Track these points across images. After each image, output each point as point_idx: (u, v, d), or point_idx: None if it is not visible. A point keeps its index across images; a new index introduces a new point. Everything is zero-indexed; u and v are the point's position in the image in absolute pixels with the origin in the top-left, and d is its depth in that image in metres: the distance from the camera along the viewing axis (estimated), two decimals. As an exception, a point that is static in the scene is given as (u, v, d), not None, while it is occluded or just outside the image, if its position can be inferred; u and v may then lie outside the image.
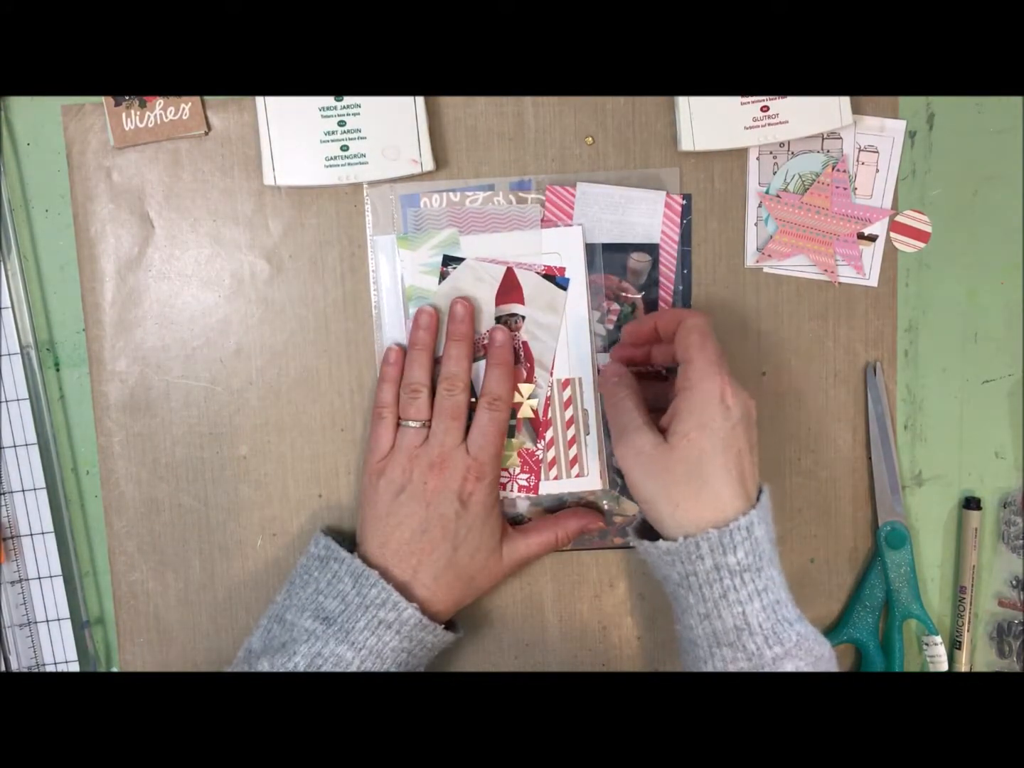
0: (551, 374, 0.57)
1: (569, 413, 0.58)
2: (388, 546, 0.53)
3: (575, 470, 0.58)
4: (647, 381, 0.55)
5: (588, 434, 0.58)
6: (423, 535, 0.52)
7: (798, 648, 0.47)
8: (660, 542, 0.48)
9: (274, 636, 0.51)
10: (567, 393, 0.57)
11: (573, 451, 0.58)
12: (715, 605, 0.47)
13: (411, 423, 0.54)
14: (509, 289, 0.57)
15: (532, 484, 0.58)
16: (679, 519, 0.48)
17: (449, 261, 0.57)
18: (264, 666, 0.50)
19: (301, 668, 0.49)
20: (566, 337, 0.57)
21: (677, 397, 0.49)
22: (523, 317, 0.57)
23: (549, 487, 0.58)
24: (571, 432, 0.58)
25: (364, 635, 0.49)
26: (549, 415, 0.57)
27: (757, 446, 0.50)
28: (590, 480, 0.58)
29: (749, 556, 0.47)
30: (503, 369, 0.55)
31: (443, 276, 0.57)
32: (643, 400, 0.52)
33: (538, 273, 0.57)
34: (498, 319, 0.57)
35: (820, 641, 0.49)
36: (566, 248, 0.57)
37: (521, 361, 0.57)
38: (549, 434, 0.58)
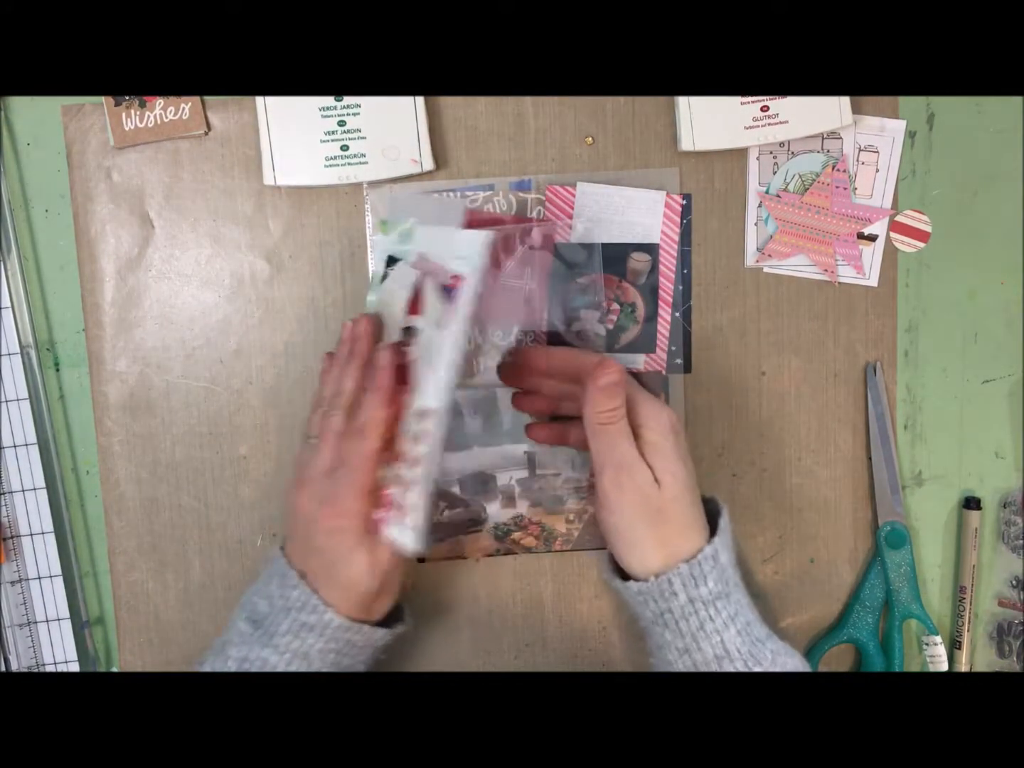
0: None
1: (419, 450, 0.47)
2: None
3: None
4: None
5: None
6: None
7: (774, 665, 0.48)
8: (631, 583, 0.49)
9: (223, 632, 0.51)
10: (422, 426, 0.47)
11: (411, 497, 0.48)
12: (693, 638, 0.47)
13: (310, 438, 0.50)
14: (417, 298, 0.50)
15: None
16: (661, 558, 0.49)
17: (392, 261, 0.51)
18: (206, 667, 0.49)
19: (233, 671, 0.48)
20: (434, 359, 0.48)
21: (643, 437, 0.50)
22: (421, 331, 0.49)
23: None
24: (413, 473, 0.48)
25: (287, 639, 0.48)
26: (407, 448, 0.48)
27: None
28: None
29: (719, 584, 0.48)
30: (376, 395, 0.48)
31: (384, 277, 0.51)
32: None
33: (442, 282, 0.49)
34: (406, 330, 0.50)
35: (791, 653, 0.50)
36: (471, 255, 0.49)
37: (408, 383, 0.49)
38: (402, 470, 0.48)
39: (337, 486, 0.48)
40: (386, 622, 0.51)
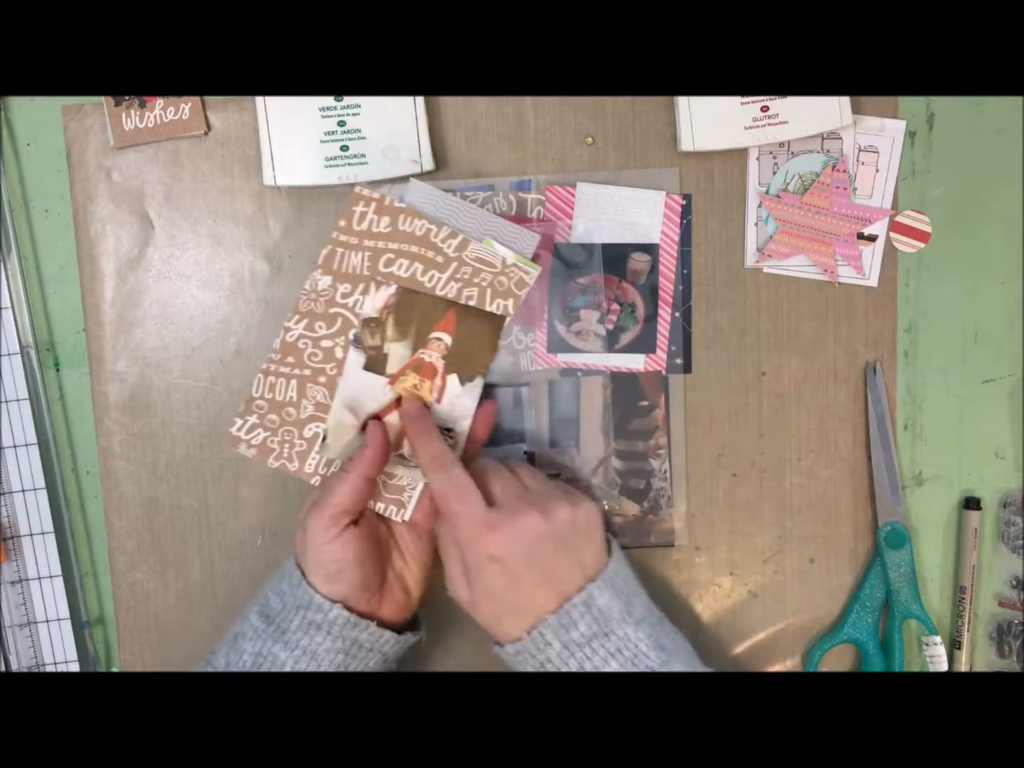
0: None
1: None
2: None
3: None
4: None
5: None
6: None
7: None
8: (508, 646, 0.49)
9: (238, 624, 0.52)
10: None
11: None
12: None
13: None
14: None
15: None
16: (507, 634, 0.49)
17: None
18: (220, 658, 0.51)
19: (249, 666, 0.49)
20: None
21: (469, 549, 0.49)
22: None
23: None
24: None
25: (297, 635, 0.49)
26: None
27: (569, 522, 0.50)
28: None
29: (592, 626, 0.47)
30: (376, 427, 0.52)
31: None
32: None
33: None
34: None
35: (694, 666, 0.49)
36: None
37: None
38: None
39: (327, 486, 0.51)
40: (397, 629, 0.52)
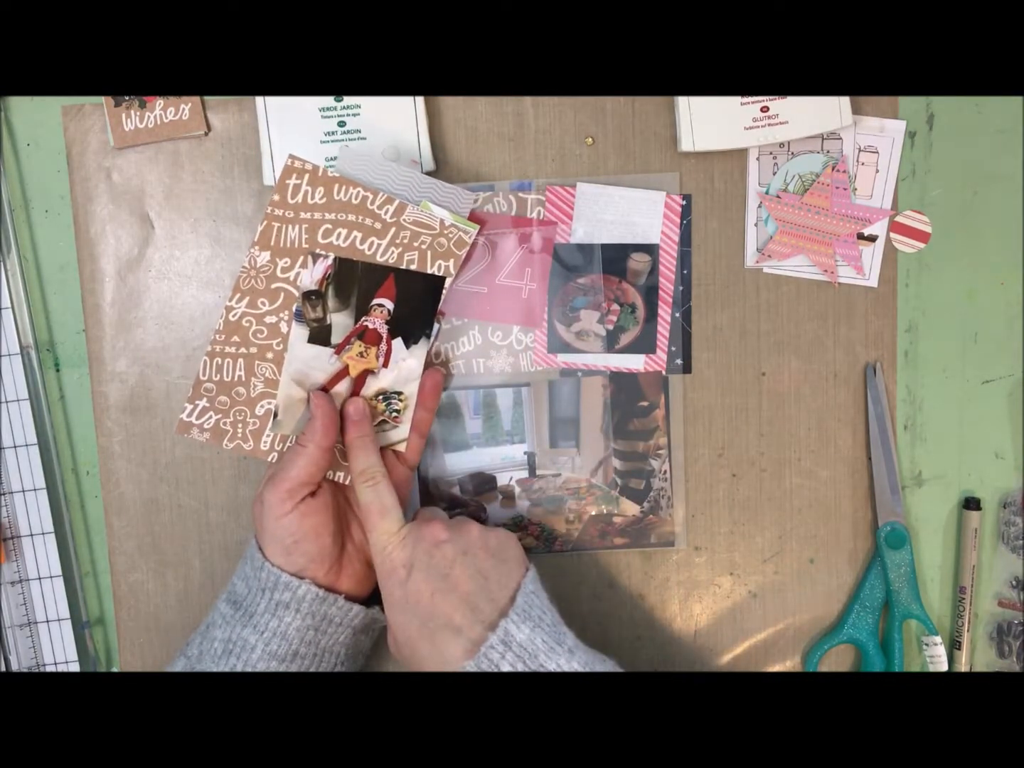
0: None
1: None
2: None
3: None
4: None
5: None
6: None
7: None
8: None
9: (209, 614, 0.53)
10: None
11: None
12: None
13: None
14: None
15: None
16: (440, 666, 0.47)
17: None
18: (193, 648, 0.52)
19: (220, 653, 0.50)
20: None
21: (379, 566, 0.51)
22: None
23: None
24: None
25: (265, 618, 0.50)
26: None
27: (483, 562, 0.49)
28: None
29: (519, 663, 0.45)
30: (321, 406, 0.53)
31: None
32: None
33: None
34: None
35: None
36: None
37: None
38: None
39: (282, 460, 0.52)
40: (362, 601, 0.53)
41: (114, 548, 0.59)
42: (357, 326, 0.54)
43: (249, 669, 0.50)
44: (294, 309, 0.53)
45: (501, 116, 0.57)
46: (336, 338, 0.54)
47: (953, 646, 0.60)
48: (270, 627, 0.50)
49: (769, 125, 0.56)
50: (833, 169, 0.58)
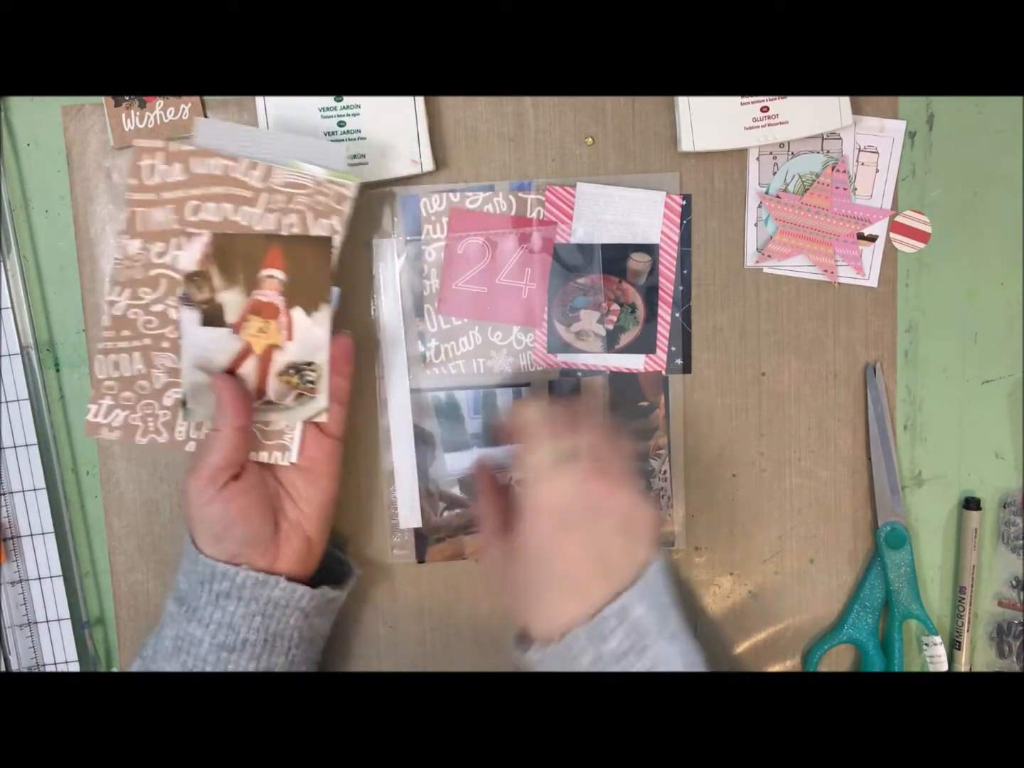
0: None
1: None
2: None
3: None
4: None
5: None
6: None
7: None
8: (532, 652, 0.46)
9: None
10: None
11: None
12: None
13: None
14: None
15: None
16: (549, 620, 0.46)
17: None
18: (148, 648, 0.51)
19: (171, 651, 0.50)
20: None
21: (527, 496, 0.47)
22: None
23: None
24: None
25: (208, 610, 0.49)
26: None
27: (626, 532, 0.47)
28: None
29: (628, 639, 0.45)
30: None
31: None
32: (503, 498, 0.51)
33: None
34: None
35: None
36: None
37: None
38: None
39: (200, 447, 0.51)
40: (309, 582, 0.52)
41: (114, 548, 0.59)
42: (250, 302, 0.51)
43: (199, 663, 0.49)
44: (179, 294, 0.51)
45: (501, 116, 0.57)
46: (231, 317, 0.52)
47: (953, 646, 0.60)
48: (215, 619, 0.49)
49: (769, 125, 0.56)
50: (833, 169, 0.58)
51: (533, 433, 0.47)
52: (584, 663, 0.45)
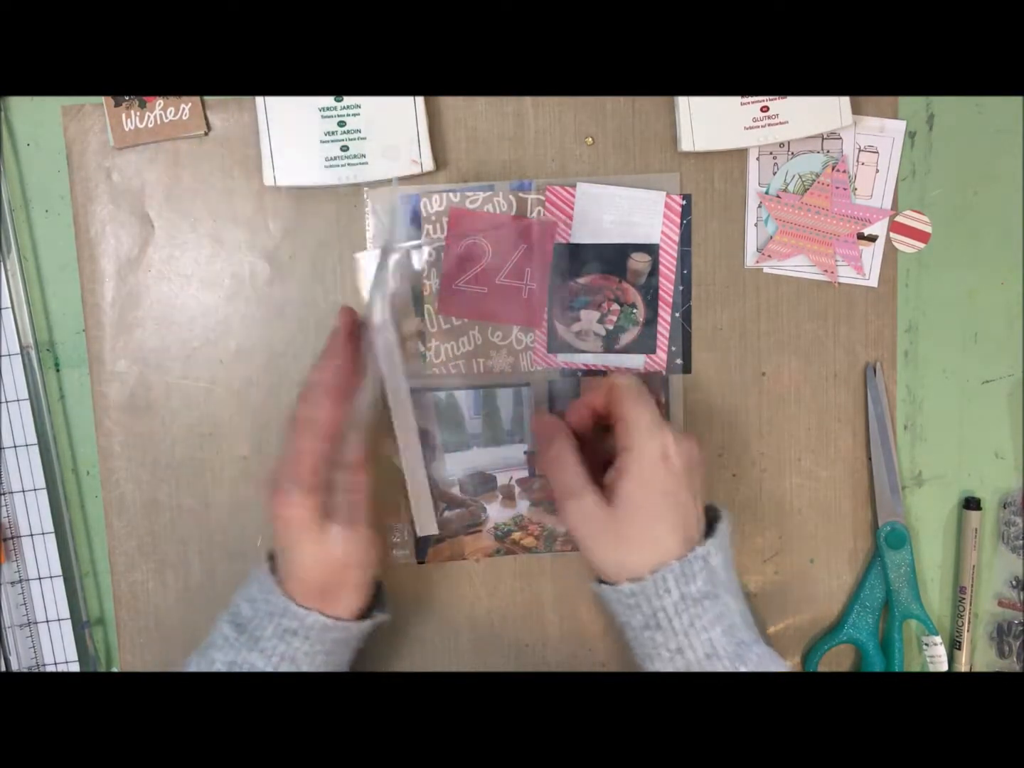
0: None
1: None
2: None
3: None
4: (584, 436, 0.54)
5: None
6: None
7: (758, 667, 0.47)
8: (624, 585, 0.48)
9: (209, 634, 0.51)
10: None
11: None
12: (685, 635, 0.47)
13: None
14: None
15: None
16: (628, 570, 0.48)
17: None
18: (191, 668, 0.50)
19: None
20: None
21: (620, 457, 0.49)
22: None
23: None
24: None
25: (273, 642, 0.49)
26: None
27: (702, 489, 0.51)
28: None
29: (707, 584, 0.47)
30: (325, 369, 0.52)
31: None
32: (580, 456, 0.51)
33: None
34: None
35: (776, 660, 0.49)
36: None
37: None
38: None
39: (281, 472, 0.49)
40: (366, 613, 0.52)
41: (114, 548, 0.59)
42: None
43: None
44: None
45: (501, 116, 0.57)
46: None
47: (953, 646, 0.60)
48: (278, 651, 0.49)
49: (769, 125, 0.56)
50: (833, 169, 0.58)
51: (637, 395, 0.51)
52: (672, 600, 0.47)
